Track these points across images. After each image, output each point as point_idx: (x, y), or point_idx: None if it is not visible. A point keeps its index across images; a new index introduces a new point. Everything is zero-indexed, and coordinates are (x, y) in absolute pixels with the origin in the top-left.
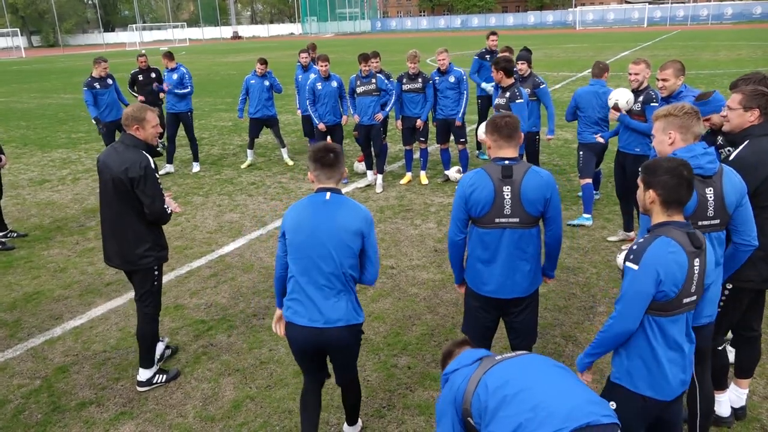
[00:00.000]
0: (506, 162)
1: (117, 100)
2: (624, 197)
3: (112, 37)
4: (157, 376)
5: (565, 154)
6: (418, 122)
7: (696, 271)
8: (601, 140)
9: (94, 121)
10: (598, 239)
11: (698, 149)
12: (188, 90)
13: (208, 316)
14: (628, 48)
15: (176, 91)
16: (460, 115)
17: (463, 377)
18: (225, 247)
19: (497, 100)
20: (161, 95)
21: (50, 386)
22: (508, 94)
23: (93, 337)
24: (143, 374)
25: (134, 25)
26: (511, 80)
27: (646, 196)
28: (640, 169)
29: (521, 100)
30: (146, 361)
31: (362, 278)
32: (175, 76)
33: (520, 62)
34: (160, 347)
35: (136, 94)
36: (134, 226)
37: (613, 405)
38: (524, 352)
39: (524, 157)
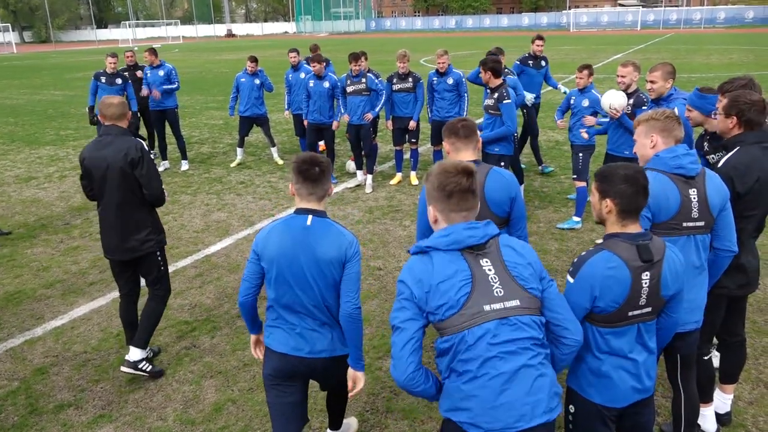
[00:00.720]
0: None
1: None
2: None
3: (104, 34)
4: (145, 363)
5: (556, 156)
6: (411, 123)
7: (646, 284)
8: (586, 136)
9: (87, 110)
10: (587, 242)
11: (680, 150)
12: (176, 86)
13: (191, 317)
14: (622, 51)
15: (165, 87)
16: (464, 115)
17: (443, 300)
18: (211, 246)
19: (486, 101)
20: (146, 92)
21: (28, 388)
22: (496, 95)
23: (74, 338)
24: (134, 354)
25: (127, 22)
26: (500, 81)
27: (602, 205)
28: (594, 175)
29: (509, 101)
30: (142, 341)
31: (340, 304)
32: (161, 73)
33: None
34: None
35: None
36: (135, 212)
37: (572, 408)
38: (503, 306)
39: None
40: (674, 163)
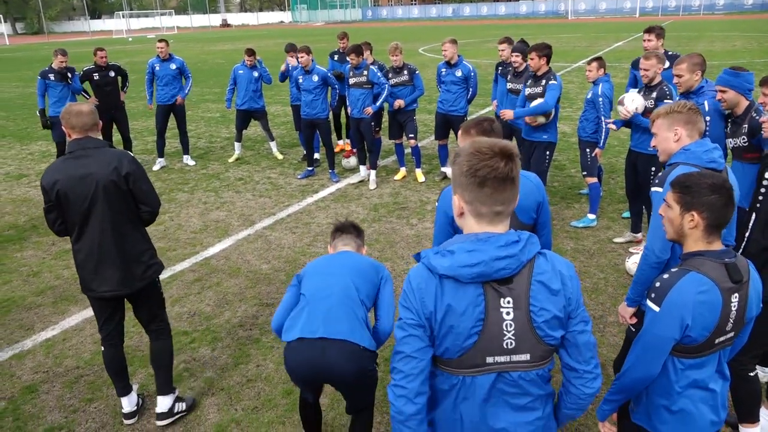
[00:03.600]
0: None
1: (71, 96)
2: (634, 197)
3: (98, 25)
4: (177, 404)
5: (564, 148)
6: (398, 101)
7: (734, 308)
8: (614, 127)
9: (38, 113)
10: (603, 240)
11: (709, 144)
12: (189, 78)
13: (190, 327)
14: (622, 38)
15: (185, 90)
16: (468, 109)
17: (446, 343)
18: (210, 248)
19: (529, 90)
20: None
21: (16, 408)
22: (543, 81)
23: (66, 351)
24: (163, 403)
25: (121, 13)
26: (547, 67)
27: (685, 219)
28: (671, 184)
29: (555, 82)
30: (166, 385)
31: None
32: (173, 66)
33: (514, 54)
34: (133, 398)
35: (88, 95)
36: (133, 234)
37: None
38: (509, 360)
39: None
40: (707, 156)
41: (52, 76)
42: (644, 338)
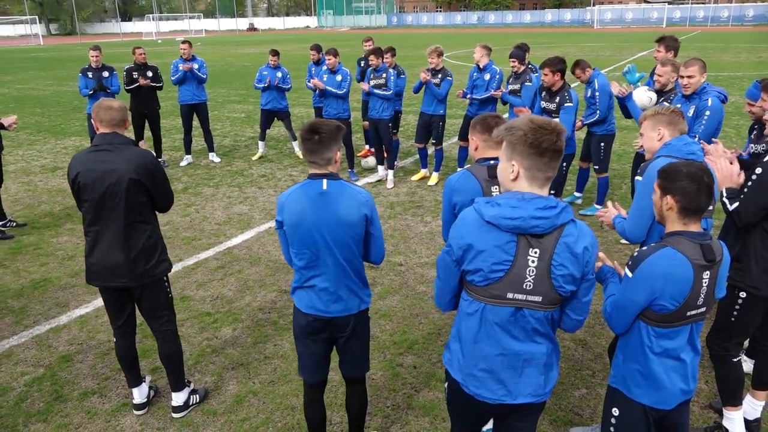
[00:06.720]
0: (491, 162)
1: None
2: None
3: (129, 27)
4: (192, 396)
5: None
6: (424, 75)
7: (705, 284)
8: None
9: (96, 87)
10: (610, 242)
11: (687, 138)
12: (205, 78)
13: (213, 309)
14: (646, 48)
15: (200, 75)
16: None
17: (474, 272)
18: (233, 239)
19: (545, 104)
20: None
21: (53, 375)
22: (558, 99)
23: (98, 327)
24: (178, 398)
25: (151, 15)
26: (562, 83)
27: (663, 202)
28: (657, 172)
29: (570, 104)
30: (179, 383)
31: (370, 257)
32: (195, 66)
33: (510, 59)
34: (144, 389)
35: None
36: (147, 232)
37: (616, 411)
38: (526, 298)
39: None
40: (687, 149)
41: (90, 74)
42: (616, 298)
